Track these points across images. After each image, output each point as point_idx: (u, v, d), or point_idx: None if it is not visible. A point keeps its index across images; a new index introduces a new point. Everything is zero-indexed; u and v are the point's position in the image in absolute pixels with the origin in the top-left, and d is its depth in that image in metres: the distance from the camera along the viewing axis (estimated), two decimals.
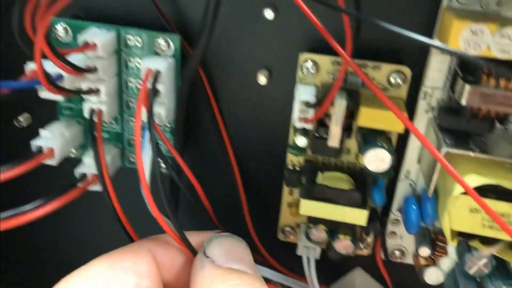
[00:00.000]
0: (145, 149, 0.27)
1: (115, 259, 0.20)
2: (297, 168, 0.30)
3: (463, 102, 0.24)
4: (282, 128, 0.31)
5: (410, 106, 0.28)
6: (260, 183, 0.33)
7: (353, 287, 0.35)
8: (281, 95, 0.30)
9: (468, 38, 0.22)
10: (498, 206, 0.25)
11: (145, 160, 0.27)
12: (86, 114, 0.29)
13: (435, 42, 0.19)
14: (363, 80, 0.22)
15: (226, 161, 0.33)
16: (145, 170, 0.27)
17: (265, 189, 0.33)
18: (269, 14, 0.28)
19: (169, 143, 0.29)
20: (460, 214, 0.25)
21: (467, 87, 0.23)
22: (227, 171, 0.33)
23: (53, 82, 0.25)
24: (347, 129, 0.27)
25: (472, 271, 0.28)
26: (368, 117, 0.26)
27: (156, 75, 0.27)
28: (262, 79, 0.29)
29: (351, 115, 0.27)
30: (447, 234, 0.26)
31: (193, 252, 0.26)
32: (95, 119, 0.29)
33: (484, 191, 0.25)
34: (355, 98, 0.27)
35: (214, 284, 0.19)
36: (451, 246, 0.29)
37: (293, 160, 0.30)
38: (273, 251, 0.34)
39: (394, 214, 0.31)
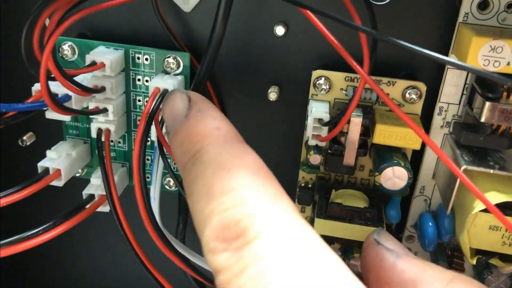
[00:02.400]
0: (154, 167, 0.27)
1: None
2: (309, 185, 0.30)
3: (482, 119, 0.23)
4: (293, 145, 0.30)
5: (425, 121, 0.27)
6: None
7: None
8: (291, 111, 0.30)
9: (487, 54, 0.22)
10: None
11: (154, 178, 0.27)
12: (93, 134, 0.28)
13: (456, 60, 0.18)
14: (382, 98, 0.22)
15: None
16: (155, 188, 0.26)
17: None
18: (280, 30, 0.27)
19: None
20: (479, 232, 0.25)
21: (487, 104, 0.23)
22: None
23: (58, 103, 0.24)
24: (362, 147, 0.27)
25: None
26: (384, 135, 0.26)
27: (164, 94, 0.27)
28: (272, 95, 0.29)
29: (365, 132, 0.26)
30: (466, 252, 0.26)
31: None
32: (103, 138, 0.28)
33: (503, 208, 0.25)
34: (369, 114, 0.26)
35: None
36: (469, 263, 0.29)
37: (305, 177, 0.30)
38: None
39: (409, 230, 0.30)
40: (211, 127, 0.20)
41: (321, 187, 0.29)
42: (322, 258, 0.15)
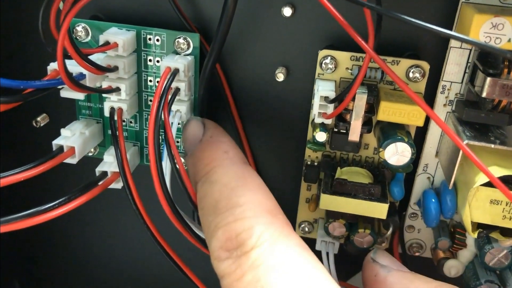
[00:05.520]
0: (165, 146, 0.28)
1: None
2: (315, 164, 0.30)
3: (484, 94, 0.24)
4: (299, 125, 0.31)
5: (429, 100, 0.28)
6: (277, 179, 0.33)
7: None
8: (298, 92, 0.30)
9: (488, 31, 0.23)
10: None
11: (165, 156, 0.27)
12: (106, 112, 0.29)
13: (458, 34, 0.19)
14: (385, 71, 0.22)
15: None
16: (165, 167, 0.27)
17: (282, 185, 0.34)
18: (287, 11, 0.28)
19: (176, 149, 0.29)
20: (480, 205, 0.26)
21: (488, 80, 0.24)
22: None
23: (74, 79, 0.25)
24: (366, 124, 0.27)
25: (491, 263, 0.28)
26: (388, 112, 0.26)
27: (175, 73, 0.28)
28: (280, 76, 0.30)
29: (370, 110, 0.27)
30: (468, 226, 0.26)
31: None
32: (116, 117, 0.29)
33: (504, 182, 0.26)
34: (374, 92, 0.27)
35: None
36: (470, 239, 0.30)
37: (311, 155, 0.31)
38: None
39: (412, 208, 0.31)
40: (220, 151, 0.23)
41: (327, 165, 0.30)
42: (311, 267, 0.18)
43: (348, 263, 0.35)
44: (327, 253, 0.31)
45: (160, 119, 0.26)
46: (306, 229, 0.33)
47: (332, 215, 0.29)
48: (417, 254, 0.32)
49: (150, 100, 0.31)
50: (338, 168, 0.30)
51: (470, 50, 0.26)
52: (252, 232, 0.19)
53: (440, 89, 0.28)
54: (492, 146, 0.25)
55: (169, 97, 0.28)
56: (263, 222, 0.19)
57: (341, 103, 0.26)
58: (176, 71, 0.28)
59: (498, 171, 0.25)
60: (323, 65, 0.28)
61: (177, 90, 0.28)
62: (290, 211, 0.33)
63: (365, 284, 0.24)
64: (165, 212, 0.26)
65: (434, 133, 0.29)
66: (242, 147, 0.32)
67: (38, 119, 0.34)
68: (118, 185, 0.30)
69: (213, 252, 0.20)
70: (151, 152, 0.26)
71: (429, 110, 0.22)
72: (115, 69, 0.28)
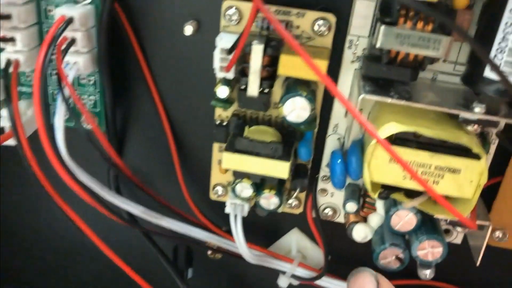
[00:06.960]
0: (59, 98, 0.26)
1: None
2: (224, 123, 0.29)
3: (378, 44, 0.23)
4: (211, 82, 0.30)
5: (337, 56, 0.27)
6: (192, 140, 0.32)
7: (289, 247, 0.34)
8: (208, 46, 0.29)
9: None
10: (417, 155, 0.24)
11: (58, 114, 0.26)
12: (2, 64, 0.28)
13: None
14: (270, 22, 0.21)
15: (156, 117, 0.32)
16: (59, 118, 0.26)
17: (197, 147, 0.32)
18: None
19: (80, 101, 0.28)
20: (380, 164, 0.25)
21: (382, 28, 0.22)
22: (157, 128, 0.32)
23: None
24: (268, 79, 0.26)
25: (397, 226, 0.27)
26: (288, 65, 0.25)
27: (69, 22, 0.26)
28: (188, 30, 0.28)
29: (272, 63, 0.26)
30: (368, 185, 0.25)
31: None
32: (11, 69, 0.27)
33: (405, 140, 0.25)
34: (279, 46, 0.26)
35: None
36: (380, 202, 0.29)
37: (221, 114, 0.29)
38: (207, 212, 0.33)
39: (324, 170, 0.30)
40: None
41: (235, 125, 0.29)
42: None
43: (267, 231, 0.35)
44: (235, 216, 0.30)
45: (46, 69, 0.25)
46: (220, 192, 0.32)
47: (238, 175, 0.28)
48: (330, 218, 0.31)
49: (54, 54, 0.29)
50: (246, 127, 0.28)
51: (376, 1, 0.25)
52: None
53: (347, 44, 0.26)
54: (388, 100, 0.24)
55: (62, 47, 0.26)
56: None
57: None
58: (70, 20, 0.26)
59: (395, 128, 0.24)
60: (226, 16, 0.27)
61: (73, 40, 0.27)
62: (205, 173, 0.32)
63: None
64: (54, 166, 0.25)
65: (342, 93, 0.27)
66: (155, 106, 0.31)
67: None
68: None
69: None
70: (37, 106, 0.25)
71: (312, 63, 0.21)
72: (7, 17, 0.27)
